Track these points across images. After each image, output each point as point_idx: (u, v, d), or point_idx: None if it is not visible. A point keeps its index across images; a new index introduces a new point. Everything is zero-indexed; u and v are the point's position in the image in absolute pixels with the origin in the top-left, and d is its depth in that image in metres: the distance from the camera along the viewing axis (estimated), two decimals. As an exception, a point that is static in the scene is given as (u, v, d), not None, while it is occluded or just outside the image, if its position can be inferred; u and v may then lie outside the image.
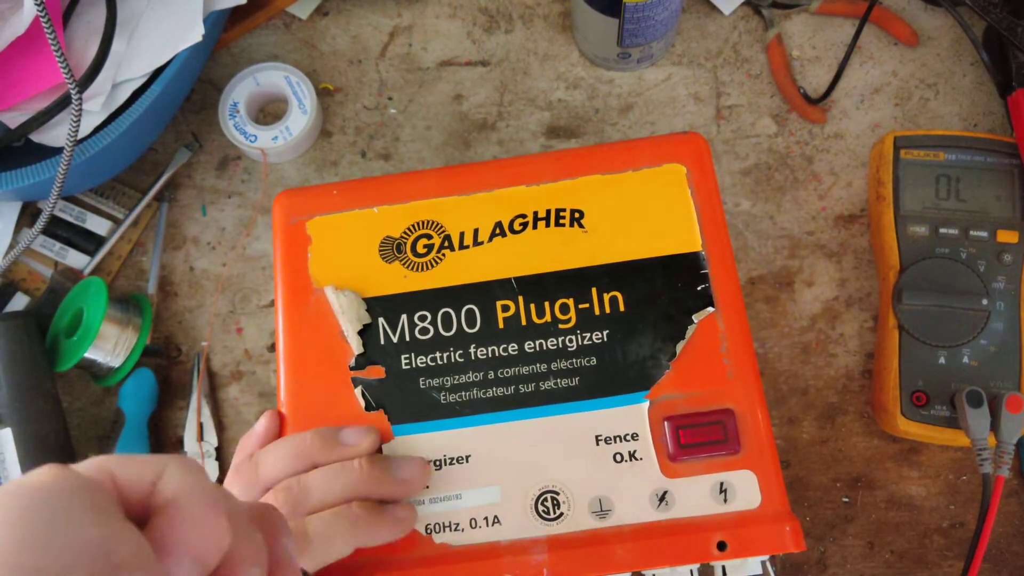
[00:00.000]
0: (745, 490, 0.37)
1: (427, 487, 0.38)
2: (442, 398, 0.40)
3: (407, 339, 0.41)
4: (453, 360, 0.40)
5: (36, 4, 0.43)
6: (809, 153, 0.55)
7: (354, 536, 0.35)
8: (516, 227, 0.42)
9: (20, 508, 0.22)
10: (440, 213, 0.43)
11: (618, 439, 0.38)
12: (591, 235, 0.42)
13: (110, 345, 0.50)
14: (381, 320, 0.41)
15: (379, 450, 0.39)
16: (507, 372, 0.40)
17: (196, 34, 0.49)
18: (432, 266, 0.42)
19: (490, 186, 0.43)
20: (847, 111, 0.55)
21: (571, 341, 0.40)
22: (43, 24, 0.44)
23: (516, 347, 0.40)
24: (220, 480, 0.51)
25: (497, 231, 0.42)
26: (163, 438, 0.52)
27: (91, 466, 0.24)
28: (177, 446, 0.52)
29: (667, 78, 0.56)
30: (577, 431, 0.39)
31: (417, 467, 0.38)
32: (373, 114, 0.57)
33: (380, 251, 0.42)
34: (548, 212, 0.42)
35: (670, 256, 0.41)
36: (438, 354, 0.40)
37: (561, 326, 0.40)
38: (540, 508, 0.38)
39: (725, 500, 0.37)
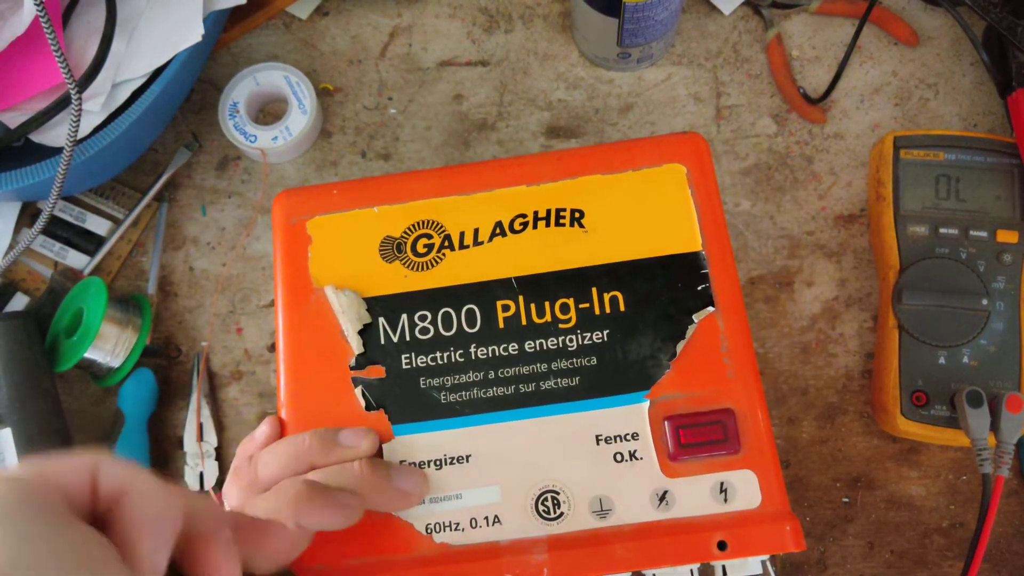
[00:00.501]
0: (745, 490, 0.37)
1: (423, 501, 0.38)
2: (442, 398, 0.40)
3: (407, 339, 0.41)
4: (453, 360, 0.40)
5: (36, 4, 0.43)
6: (809, 153, 0.55)
7: (296, 511, 0.34)
8: (516, 227, 0.42)
9: None
10: (440, 213, 0.43)
11: (618, 439, 0.38)
12: (591, 235, 0.42)
13: (110, 345, 0.50)
14: (381, 320, 0.41)
15: (379, 452, 0.39)
16: (507, 372, 0.40)
17: (196, 34, 0.49)
18: (432, 266, 0.42)
19: (490, 186, 0.43)
20: (847, 111, 0.55)
21: (571, 341, 0.40)
22: (43, 24, 0.44)
23: (516, 347, 0.40)
24: (220, 482, 0.51)
25: (497, 231, 0.42)
26: (163, 438, 0.52)
27: (27, 472, 0.24)
28: (177, 446, 0.52)
29: (667, 78, 0.56)
30: (577, 431, 0.39)
31: (418, 479, 0.38)
32: (373, 114, 0.57)
33: (380, 251, 0.42)
34: (548, 212, 0.42)
35: (670, 256, 0.41)
36: (438, 354, 0.40)
37: (561, 326, 0.40)
38: (540, 508, 0.38)
39: (725, 500, 0.37)
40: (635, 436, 0.38)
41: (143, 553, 0.24)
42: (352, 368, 0.40)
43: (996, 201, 0.49)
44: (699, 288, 0.40)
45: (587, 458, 0.38)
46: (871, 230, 0.53)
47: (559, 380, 0.39)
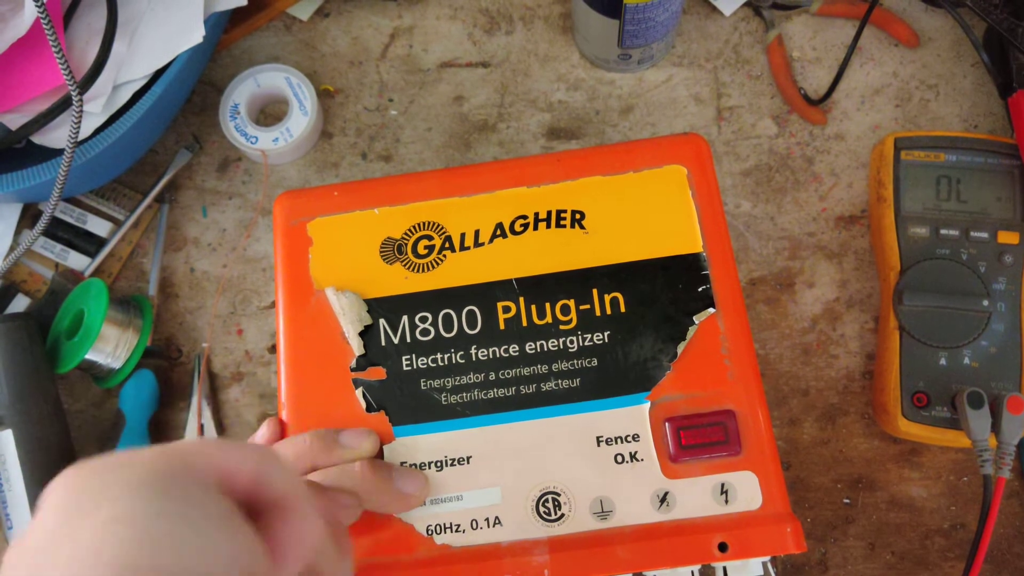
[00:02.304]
0: (746, 491, 0.37)
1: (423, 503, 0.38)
2: (443, 399, 0.40)
3: (408, 340, 0.41)
4: (454, 361, 0.40)
5: (37, 6, 0.43)
6: (810, 154, 0.55)
7: None
8: (517, 228, 0.42)
9: (148, 504, 0.22)
10: (441, 214, 0.43)
11: (619, 440, 0.38)
12: (592, 236, 0.42)
13: (111, 347, 0.50)
14: (382, 321, 0.41)
15: (380, 453, 0.39)
16: (508, 373, 0.40)
17: (197, 35, 0.49)
18: (433, 267, 0.42)
19: (491, 187, 0.43)
20: (848, 112, 0.55)
21: (572, 342, 0.40)
22: (44, 26, 0.44)
23: (517, 348, 0.40)
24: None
25: (498, 232, 0.42)
26: (164, 440, 0.52)
27: (194, 452, 0.24)
28: (178, 447, 0.52)
29: (668, 79, 0.56)
30: (578, 432, 0.39)
31: (419, 482, 0.38)
32: (374, 115, 0.57)
33: (381, 252, 0.42)
34: (549, 213, 0.42)
35: (671, 257, 0.41)
36: (439, 355, 0.40)
37: (562, 327, 0.40)
38: (541, 509, 0.38)
39: (726, 501, 0.37)
40: (636, 437, 0.38)
41: (288, 571, 0.24)
42: (353, 369, 0.40)
43: (997, 202, 0.49)
44: (700, 289, 0.40)
45: (588, 459, 0.38)
46: (872, 231, 0.53)
47: (560, 381, 0.39)
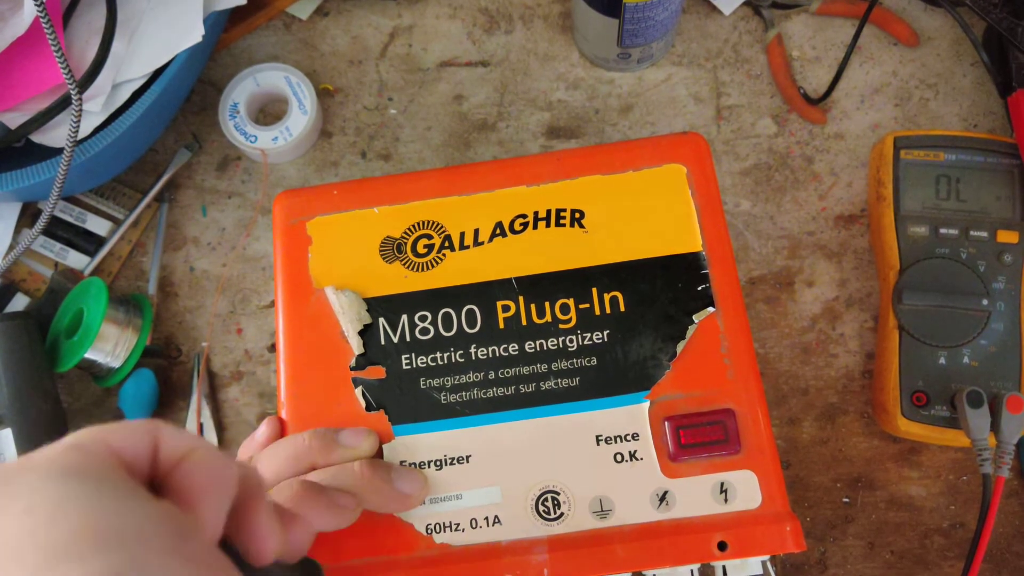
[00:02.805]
0: (745, 490, 0.37)
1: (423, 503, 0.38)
2: (443, 398, 0.40)
3: (407, 339, 0.41)
4: (454, 360, 0.40)
5: (36, 5, 0.43)
6: (809, 153, 0.55)
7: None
8: (516, 227, 0.42)
9: (55, 491, 0.22)
10: (440, 213, 0.43)
11: (618, 439, 0.38)
12: (591, 235, 0.42)
13: (110, 346, 0.50)
14: (381, 320, 0.41)
15: (379, 453, 0.39)
16: (507, 372, 0.40)
17: (196, 34, 0.49)
18: (432, 266, 0.42)
19: (490, 186, 0.43)
20: (847, 111, 0.55)
21: (571, 341, 0.40)
22: (43, 25, 0.44)
23: (516, 347, 0.40)
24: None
25: (497, 231, 0.42)
26: (163, 438, 0.52)
27: (87, 439, 0.24)
28: (177, 446, 0.52)
29: (667, 78, 0.56)
30: (577, 431, 0.39)
31: (418, 482, 0.38)
32: (373, 114, 0.57)
33: (380, 251, 0.42)
34: (548, 212, 0.42)
35: (670, 256, 0.41)
36: (438, 354, 0.40)
37: (561, 326, 0.40)
38: (541, 508, 0.38)
39: (725, 500, 0.37)
40: (635, 436, 0.38)
41: (205, 514, 0.25)
42: (352, 368, 0.40)
43: (996, 201, 0.49)
44: (699, 288, 0.40)
45: (587, 458, 0.38)
46: (871, 230, 0.53)
47: (559, 380, 0.39)
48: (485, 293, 0.41)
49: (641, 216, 0.42)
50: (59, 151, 0.47)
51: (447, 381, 0.40)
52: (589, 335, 0.40)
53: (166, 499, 0.24)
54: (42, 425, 0.48)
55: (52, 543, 0.21)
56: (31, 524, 0.21)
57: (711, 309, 0.40)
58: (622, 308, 0.40)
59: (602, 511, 0.37)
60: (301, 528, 0.33)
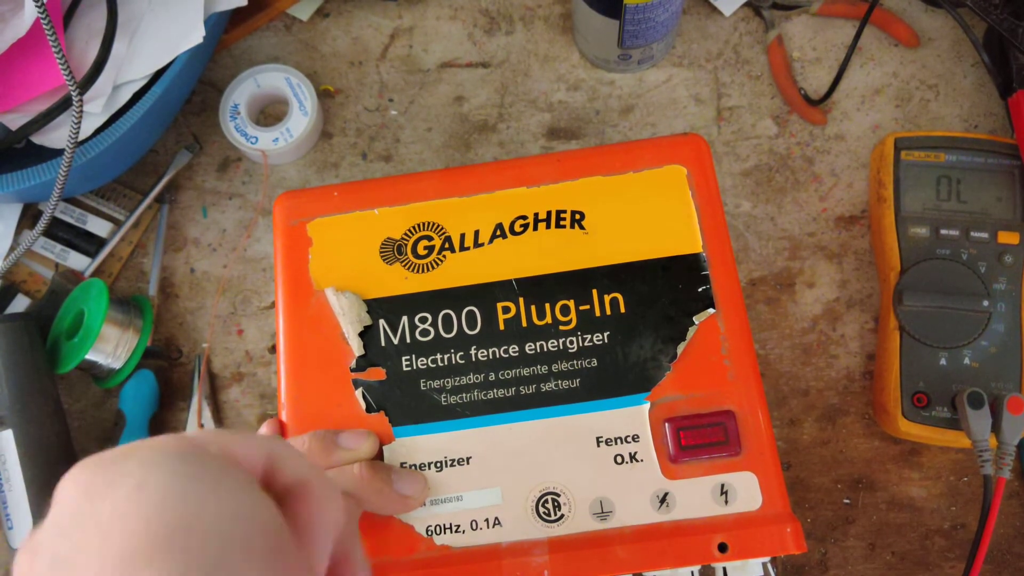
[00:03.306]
0: (746, 491, 0.37)
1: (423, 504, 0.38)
2: (443, 400, 0.40)
3: (408, 341, 0.41)
4: (454, 362, 0.40)
5: (37, 6, 0.43)
6: (810, 154, 0.55)
7: None
8: (517, 228, 0.42)
9: (168, 473, 0.21)
10: (441, 215, 0.43)
11: (619, 441, 0.38)
12: (592, 236, 0.42)
13: (111, 347, 0.50)
14: (382, 322, 0.41)
15: (380, 454, 0.39)
16: (508, 374, 0.40)
17: (197, 36, 0.49)
18: (433, 268, 0.42)
19: (491, 188, 0.43)
20: (848, 112, 0.55)
21: (572, 343, 0.40)
22: (44, 26, 0.44)
23: (517, 349, 0.40)
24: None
25: (498, 232, 0.42)
26: (164, 440, 0.52)
27: (205, 438, 0.24)
28: (178, 448, 0.52)
29: (668, 79, 0.56)
30: (578, 433, 0.39)
31: (418, 484, 0.38)
32: (374, 116, 0.57)
33: (381, 253, 0.42)
34: (549, 213, 0.42)
35: (671, 257, 0.41)
36: (439, 356, 0.40)
37: (562, 327, 0.40)
38: (541, 510, 0.38)
39: (726, 501, 0.37)
40: (635, 438, 0.38)
41: (316, 553, 0.24)
42: (352, 370, 0.40)
43: (997, 202, 0.49)
44: (700, 290, 0.40)
45: (588, 460, 0.38)
46: (872, 231, 0.53)
47: (559, 382, 0.39)
48: (485, 294, 0.41)
49: (641, 217, 0.42)
50: (60, 152, 0.47)
51: (447, 382, 0.40)
52: (589, 336, 0.40)
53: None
54: (43, 426, 0.48)
55: (157, 526, 0.20)
56: (137, 505, 0.20)
57: (711, 310, 0.40)
58: (622, 309, 0.40)
59: (602, 512, 0.37)
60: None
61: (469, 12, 0.58)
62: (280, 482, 0.25)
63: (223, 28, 0.55)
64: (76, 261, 0.54)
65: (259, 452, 0.24)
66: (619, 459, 0.38)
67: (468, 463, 0.39)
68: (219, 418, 0.52)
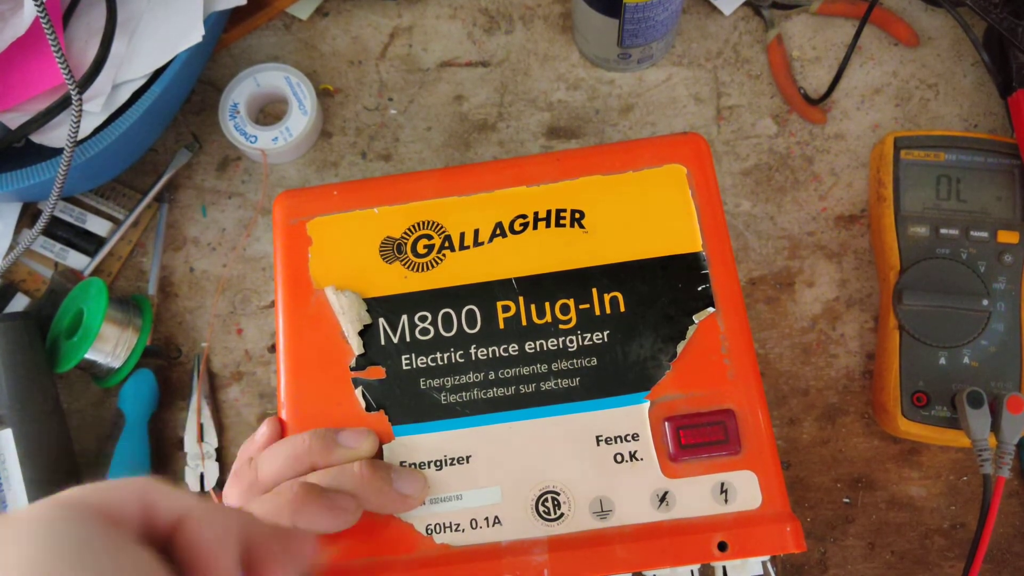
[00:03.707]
0: (746, 490, 0.37)
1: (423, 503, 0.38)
2: (443, 399, 0.40)
3: (407, 340, 0.41)
4: (454, 360, 0.40)
5: (36, 5, 0.43)
6: (809, 154, 0.55)
7: (293, 513, 0.34)
8: (516, 227, 0.42)
9: (41, 549, 0.22)
10: (440, 214, 0.43)
11: (619, 439, 0.38)
12: (591, 235, 0.42)
13: (110, 346, 0.50)
14: (381, 321, 0.41)
15: (379, 453, 0.39)
16: (508, 372, 0.40)
17: (196, 35, 0.49)
18: (432, 267, 0.42)
19: (490, 187, 0.43)
20: (847, 111, 0.55)
21: (571, 341, 0.40)
22: (43, 25, 0.44)
23: (516, 347, 0.40)
24: (221, 483, 0.51)
25: (497, 231, 0.42)
26: (163, 439, 0.52)
27: (75, 498, 0.24)
28: (178, 447, 0.52)
29: (667, 79, 0.56)
30: (577, 431, 0.39)
31: (418, 482, 0.38)
32: (373, 115, 0.57)
33: (380, 252, 0.42)
34: (548, 212, 0.42)
35: (670, 256, 0.41)
36: (438, 354, 0.40)
37: (561, 326, 0.40)
38: (541, 508, 0.38)
39: (726, 500, 0.37)
40: (635, 437, 0.38)
41: (219, 573, 0.24)
42: (352, 369, 0.40)
43: (997, 202, 0.49)
44: (699, 289, 0.40)
45: (587, 459, 0.38)
46: (872, 231, 0.53)
47: (559, 381, 0.39)
48: (485, 293, 0.41)
49: (641, 216, 0.42)
50: (59, 151, 0.47)
51: (447, 381, 0.40)
52: (589, 335, 0.40)
53: (176, 567, 0.24)
54: (42, 426, 0.48)
55: None
56: None
57: (711, 309, 0.40)
58: (622, 308, 0.40)
59: (602, 511, 0.37)
60: (306, 545, 0.33)
61: (469, 11, 0.58)
62: (161, 521, 0.25)
63: (222, 27, 0.55)
64: (75, 260, 0.54)
65: (132, 499, 0.25)
66: (619, 458, 0.38)
67: (468, 462, 0.39)
68: (218, 418, 0.52)
